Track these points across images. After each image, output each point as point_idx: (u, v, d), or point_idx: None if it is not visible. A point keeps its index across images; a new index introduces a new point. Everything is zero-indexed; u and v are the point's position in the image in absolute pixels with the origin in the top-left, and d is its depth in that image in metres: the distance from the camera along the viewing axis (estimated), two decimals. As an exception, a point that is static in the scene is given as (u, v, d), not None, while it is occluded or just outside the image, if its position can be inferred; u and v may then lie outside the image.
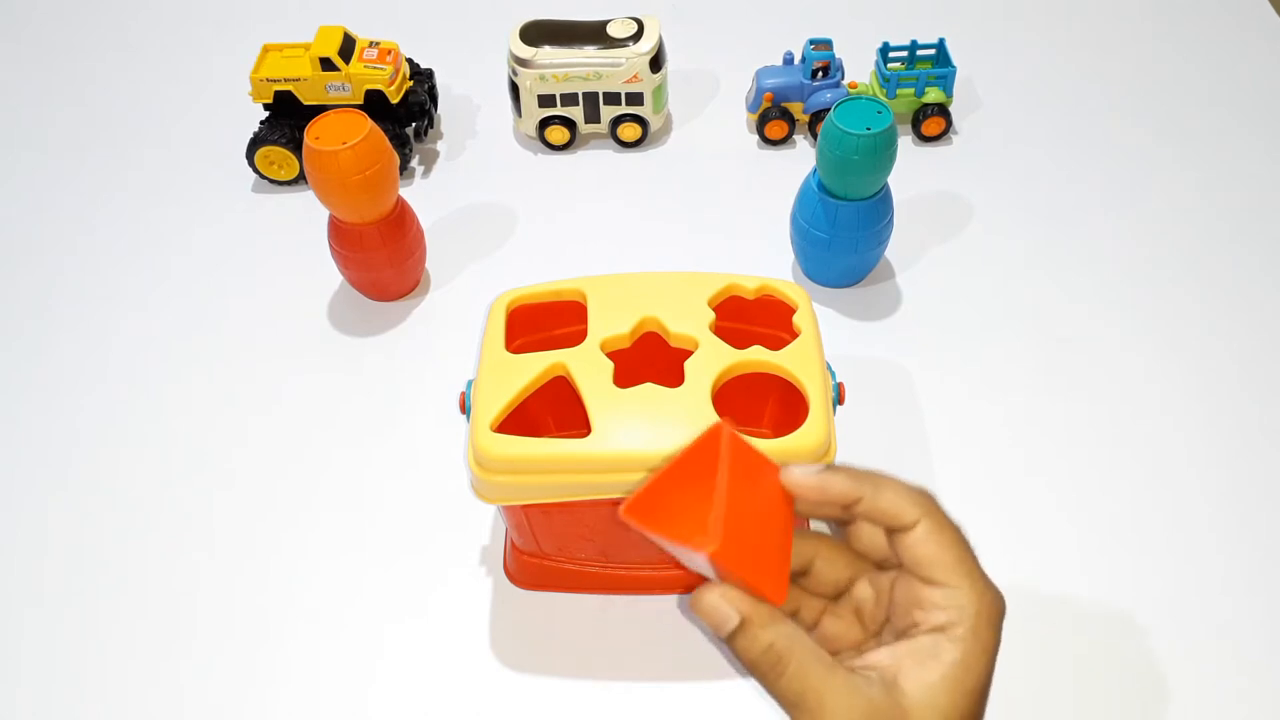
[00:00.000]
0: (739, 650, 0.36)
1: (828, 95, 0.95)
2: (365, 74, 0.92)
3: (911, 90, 0.96)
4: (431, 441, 0.76)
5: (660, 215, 0.93)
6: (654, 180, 0.97)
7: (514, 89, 0.95)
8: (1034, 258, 0.88)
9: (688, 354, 0.59)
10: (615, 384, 0.58)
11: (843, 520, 0.40)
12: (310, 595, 0.69)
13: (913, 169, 0.92)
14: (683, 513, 0.36)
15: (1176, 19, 1.12)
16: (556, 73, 0.93)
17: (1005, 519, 0.70)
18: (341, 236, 0.81)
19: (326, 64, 0.92)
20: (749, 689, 0.62)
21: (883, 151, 0.75)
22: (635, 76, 0.93)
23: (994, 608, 0.37)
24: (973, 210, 0.92)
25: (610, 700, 0.63)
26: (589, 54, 0.92)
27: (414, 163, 0.99)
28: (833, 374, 0.60)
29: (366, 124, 0.76)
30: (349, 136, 0.75)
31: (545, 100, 0.95)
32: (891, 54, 0.96)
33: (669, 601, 0.67)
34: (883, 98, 0.92)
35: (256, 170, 0.95)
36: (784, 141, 0.98)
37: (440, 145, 1.01)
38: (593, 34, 0.93)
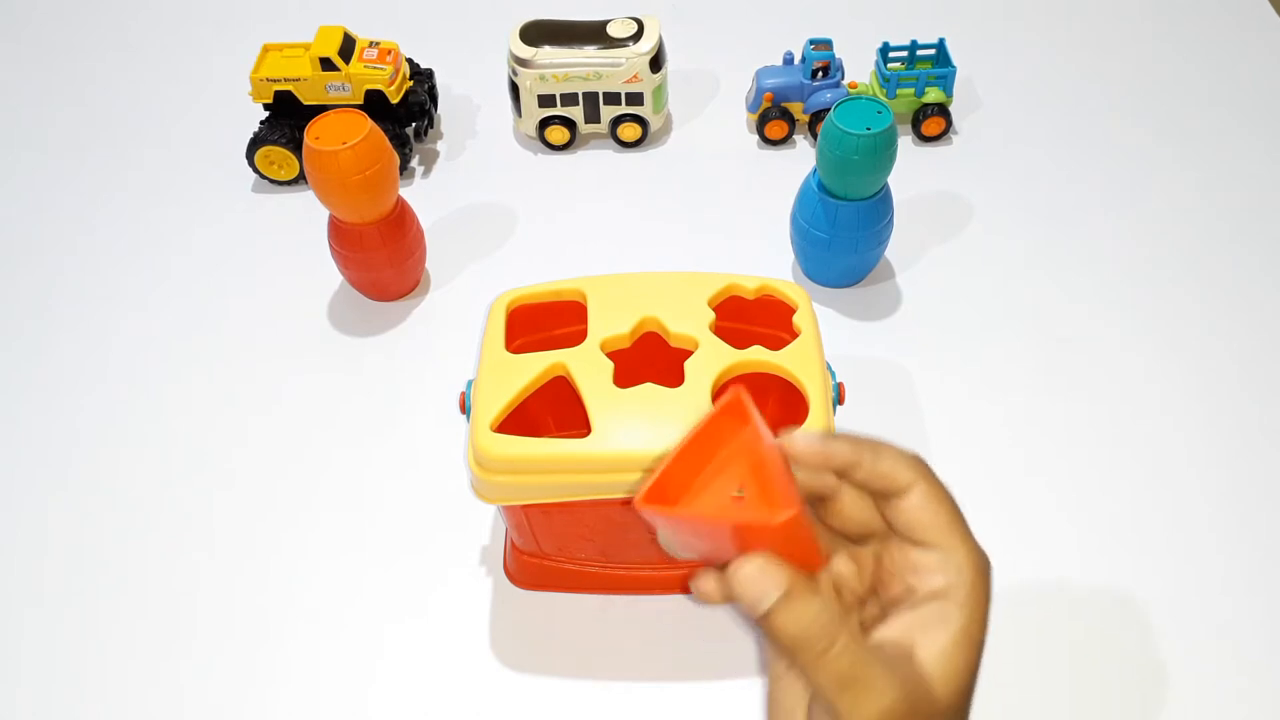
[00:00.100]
0: (780, 626, 0.34)
1: (828, 95, 0.95)
2: (365, 74, 0.92)
3: (911, 90, 0.96)
4: (431, 441, 0.76)
5: (660, 215, 0.93)
6: (654, 180, 0.97)
7: (514, 89, 0.95)
8: (1034, 258, 0.88)
9: (688, 354, 0.59)
10: (615, 384, 0.58)
11: (823, 495, 0.39)
12: (310, 595, 0.69)
13: (913, 169, 0.92)
14: (715, 489, 0.35)
15: (1176, 19, 1.12)
16: (556, 73, 0.93)
17: (1005, 519, 0.70)
18: (341, 236, 0.81)
19: (326, 64, 0.92)
20: (749, 689, 0.62)
21: (883, 151, 0.75)
22: (635, 76, 0.93)
23: (986, 566, 0.37)
24: (973, 210, 0.92)
25: (610, 700, 0.63)
26: (589, 54, 0.92)
27: (414, 163, 0.99)
28: (833, 374, 0.60)
29: (366, 124, 0.76)
30: (349, 136, 0.75)
31: (545, 100, 0.95)
32: (891, 54, 0.96)
33: (669, 601, 0.67)
34: (883, 98, 0.92)
35: (256, 170, 0.95)
36: (784, 141, 0.98)
37: (440, 145, 1.01)
38: (593, 34, 0.93)
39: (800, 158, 0.98)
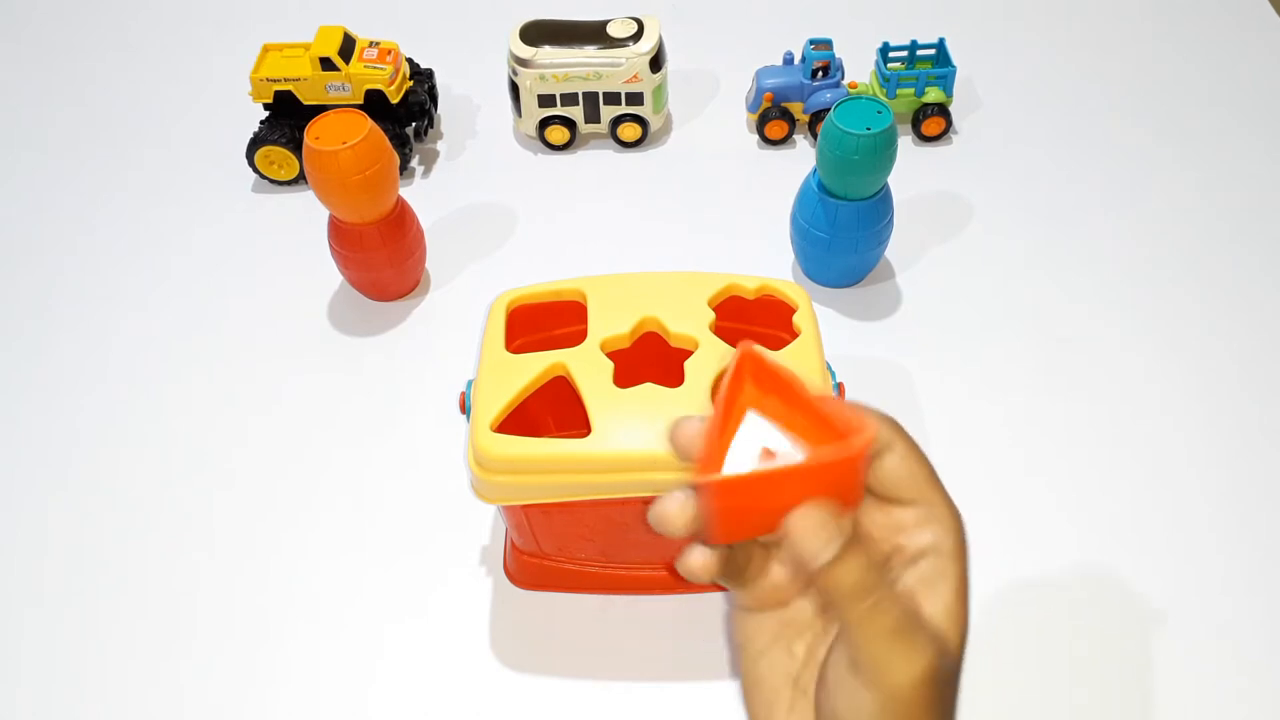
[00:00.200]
0: (839, 576, 0.32)
1: (828, 95, 0.95)
2: (365, 74, 0.92)
3: (911, 90, 0.96)
4: (431, 441, 0.76)
5: (660, 215, 0.93)
6: (654, 180, 0.97)
7: (514, 89, 0.95)
8: (1034, 258, 0.88)
9: (688, 354, 0.59)
10: (615, 384, 0.58)
11: None
12: (310, 595, 0.69)
13: (913, 169, 0.92)
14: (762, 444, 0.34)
15: (1176, 19, 1.12)
16: (556, 73, 0.93)
17: (1005, 519, 0.70)
18: (341, 236, 0.81)
19: (326, 64, 0.92)
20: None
21: (883, 151, 0.75)
22: (635, 76, 0.93)
23: (961, 520, 0.36)
24: (973, 210, 0.92)
25: (610, 700, 0.63)
26: (589, 54, 0.92)
27: (414, 163, 0.99)
28: (833, 374, 0.60)
29: (366, 124, 0.76)
30: (349, 136, 0.75)
31: (545, 100, 0.95)
32: (891, 54, 0.96)
33: (669, 601, 0.67)
34: (883, 98, 0.92)
35: (256, 170, 0.95)
36: (784, 141, 0.98)
37: (440, 145, 1.01)
38: (593, 34, 0.93)
39: (800, 158, 0.98)
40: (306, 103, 0.94)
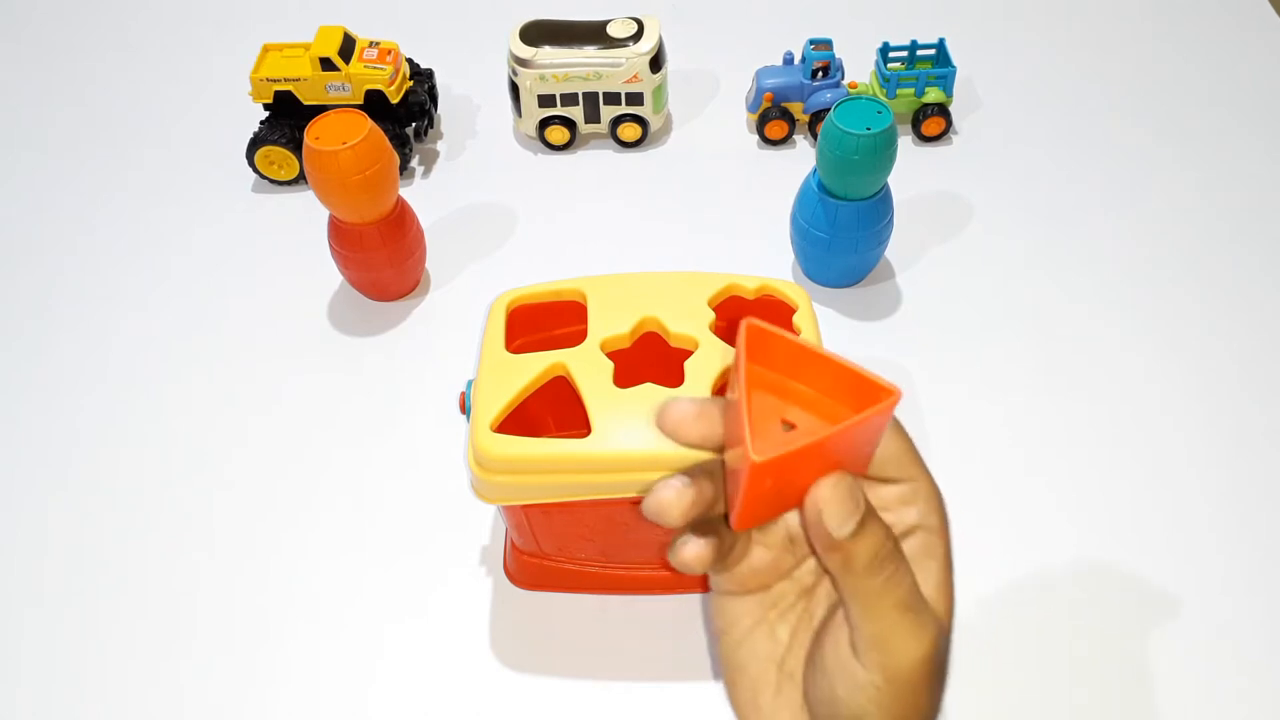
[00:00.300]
0: (862, 547, 0.32)
1: (828, 95, 0.95)
2: (365, 74, 0.92)
3: (911, 90, 0.96)
4: (431, 441, 0.76)
5: (660, 215, 0.93)
6: (654, 180, 0.97)
7: (514, 89, 0.95)
8: (1034, 258, 0.88)
9: (688, 354, 0.59)
10: (615, 384, 0.58)
11: None
12: (310, 595, 0.69)
13: (913, 169, 0.92)
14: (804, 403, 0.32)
15: (1176, 19, 1.12)
16: (556, 73, 0.93)
17: (1005, 519, 0.70)
18: (341, 236, 0.81)
19: (326, 64, 0.92)
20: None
21: (883, 151, 0.75)
22: (635, 76, 0.93)
23: (942, 498, 0.35)
24: (973, 210, 0.92)
25: (610, 700, 0.63)
26: (589, 54, 0.92)
27: (414, 163, 0.99)
28: (833, 374, 0.60)
29: (366, 124, 0.76)
30: (349, 136, 0.75)
31: (545, 100, 0.95)
32: (891, 54, 0.96)
33: (669, 601, 0.67)
34: (883, 98, 0.92)
35: (256, 170, 0.95)
36: (784, 141, 0.98)
37: (440, 145, 1.01)
38: (593, 34, 0.93)
39: (800, 158, 0.98)
40: (306, 103, 0.94)
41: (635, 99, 0.95)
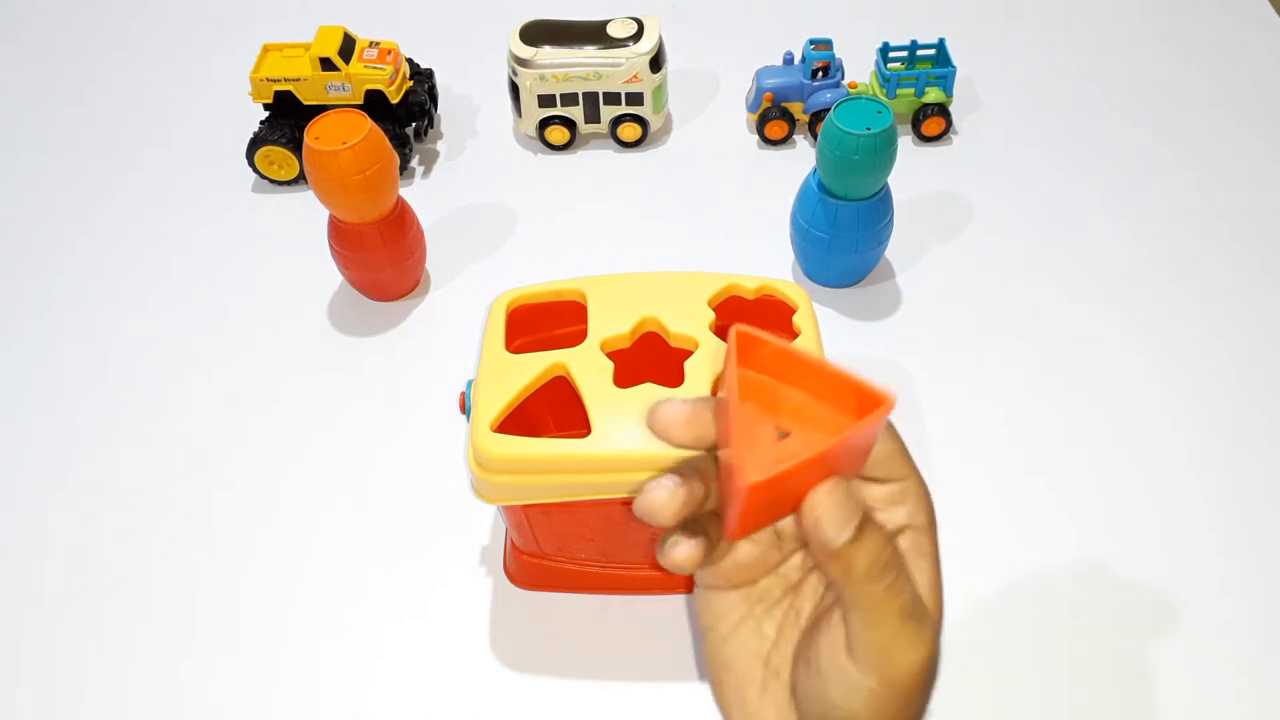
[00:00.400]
0: (861, 554, 0.31)
1: (828, 95, 0.95)
2: (365, 74, 0.92)
3: (911, 90, 0.96)
4: (431, 441, 0.76)
5: (660, 215, 0.93)
6: (654, 180, 0.97)
7: (514, 89, 0.95)
8: (1034, 258, 0.88)
9: (688, 354, 0.59)
10: (615, 384, 0.58)
11: None
12: (310, 595, 0.69)
13: (913, 169, 0.92)
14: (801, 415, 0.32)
15: (1176, 19, 1.12)
16: (556, 73, 0.93)
17: (1005, 519, 0.70)
18: (341, 236, 0.81)
19: (326, 64, 0.92)
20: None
21: (883, 151, 0.75)
22: (635, 76, 0.93)
23: (930, 496, 0.35)
24: (973, 210, 0.92)
25: (610, 700, 0.63)
26: (589, 54, 0.92)
27: (414, 163, 0.99)
28: (833, 374, 0.60)
29: (366, 124, 0.76)
30: (349, 136, 0.75)
31: (545, 100, 0.95)
32: (891, 54, 0.96)
33: (669, 601, 0.67)
34: (883, 98, 0.92)
35: (256, 170, 0.95)
36: (784, 141, 0.98)
37: (440, 145, 1.01)
38: (593, 34, 0.93)
39: (800, 158, 0.98)
40: (306, 103, 0.94)
41: (635, 99, 0.95)
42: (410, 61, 0.99)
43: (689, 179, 0.96)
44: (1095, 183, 0.94)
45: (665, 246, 0.90)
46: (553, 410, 0.62)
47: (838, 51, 0.95)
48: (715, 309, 0.62)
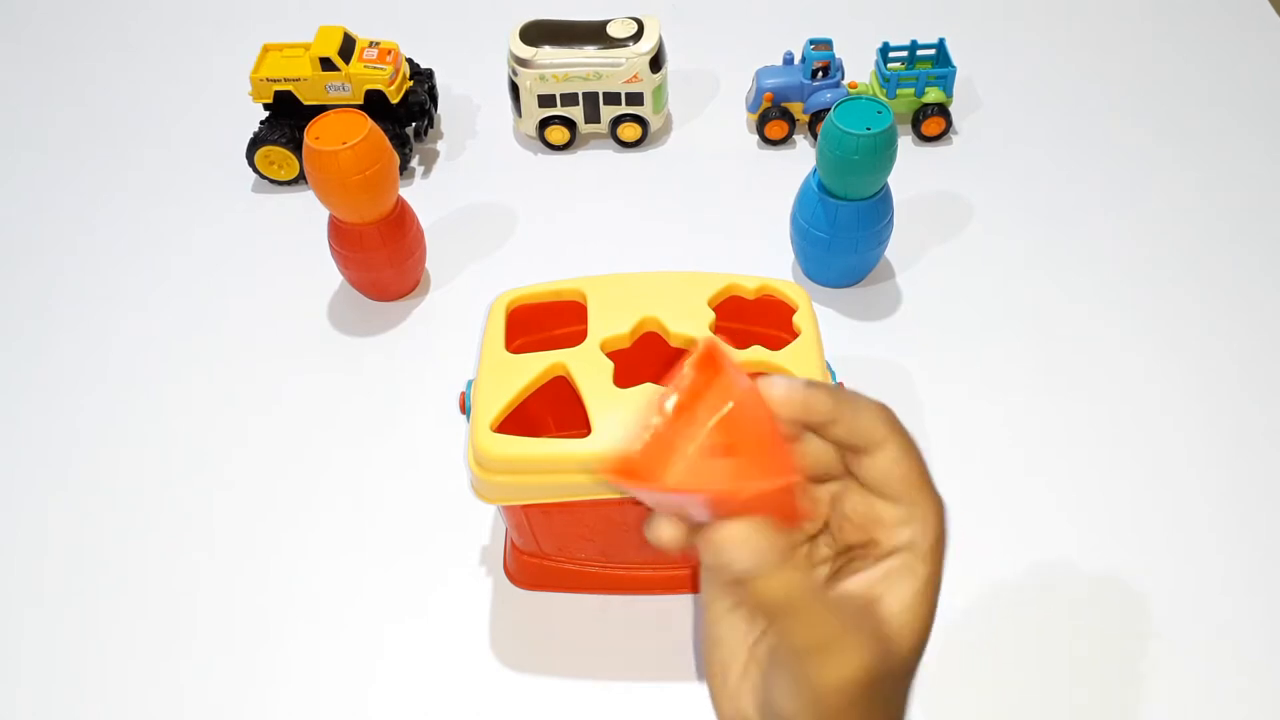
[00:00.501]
0: (762, 591, 0.32)
1: (828, 95, 0.95)
2: (365, 74, 0.92)
3: (911, 90, 0.96)
4: (431, 441, 0.76)
5: (660, 215, 0.93)
6: (654, 180, 0.97)
7: (514, 89, 0.95)
8: (1034, 258, 0.88)
9: (688, 354, 0.59)
10: (615, 384, 0.58)
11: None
12: (310, 595, 0.69)
13: (913, 169, 0.92)
14: (696, 453, 0.33)
15: (1176, 19, 1.12)
16: (556, 73, 0.93)
17: (1005, 519, 0.70)
18: (341, 236, 0.81)
19: (326, 64, 0.92)
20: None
21: (883, 151, 0.75)
22: (635, 76, 0.93)
23: (945, 521, 0.35)
24: (973, 210, 0.92)
25: (610, 700, 0.63)
26: (589, 54, 0.92)
27: (414, 163, 0.99)
28: (833, 374, 0.60)
29: (366, 124, 0.76)
30: (349, 136, 0.75)
31: (545, 100, 0.95)
32: (891, 54, 0.96)
33: (669, 601, 0.67)
34: (883, 98, 0.92)
35: (256, 170, 0.95)
36: (784, 141, 0.98)
37: (440, 145, 1.01)
38: (593, 34, 0.93)
39: (800, 158, 0.98)
40: (306, 103, 0.94)
41: (635, 99, 0.95)
42: (410, 61, 0.99)
43: (689, 179, 0.96)
44: (1095, 183, 0.94)
45: (665, 246, 0.90)
46: (553, 410, 0.62)
47: (838, 51, 0.95)
48: (715, 309, 0.62)
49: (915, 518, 0.35)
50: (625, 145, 0.99)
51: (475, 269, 0.89)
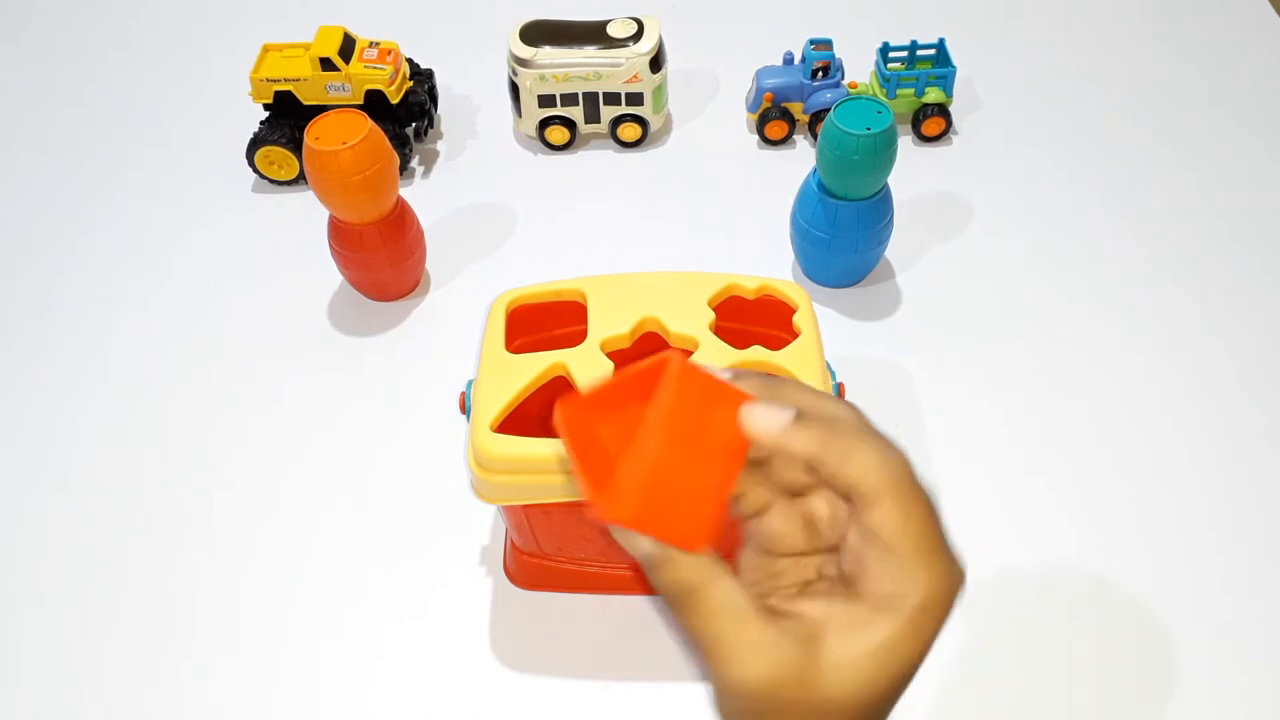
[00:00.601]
0: (659, 579, 0.36)
1: (828, 95, 0.95)
2: (365, 74, 0.92)
3: (911, 90, 0.96)
4: (431, 441, 0.76)
5: (660, 215, 0.93)
6: (654, 180, 0.97)
7: (514, 89, 0.95)
8: (1034, 258, 0.88)
9: (688, 354, 0.59)
10: (615, 384, 0.58)
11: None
12: (310, 595, 0.69)
13: (913, 169, 0.92)
14: (608, 450, 0.36)
15: (1176, 19, 1.12)
16: (556, 73, 0.93)
17: (1005, 519, 0.70)
18: (341, 236, 0.81)
19: (326, 64, 0.92)
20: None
21: (883, 151, 0.75)
22: (635, 76, 0.93)
23: (946, 593, 0.33)
24: (973, 210, 0.92)
25: (610, 700, 0.63)
26: (589, 54, 0.92)
27: (414, 163, 0.99)
28: (833, 374, 0.60)
29: (366, 124, 0.76)
30: (349, 136, 0.75)
31: (545, 100, 0.95)
32: (891, 54, 0.96)
33: (669, 601, 0.67)
34: (883, 98, 0.92)
35: (256, 170, 0.95)
36: (784, 141, 0.98)
37: (440, 145, 1.01)
38: (593, 34, 0.93)
39: (800, 158, 0.98)
40: (306, 103, 0.94)
41: (635, 99, 0.95)
42: (410, 61, 0.99)
43: (689, 179, 0.96)
44: (1095, 183, 0.94)
45: (665, 246, 0.90)
46: (553, 410, 0.62)
47: (838, 51, 0.95)
48: (715, 309, 0.62)
49: (903, 577, 0.32)
50: (625, 145, 0.99)
51: (475, 269, 0.89)
